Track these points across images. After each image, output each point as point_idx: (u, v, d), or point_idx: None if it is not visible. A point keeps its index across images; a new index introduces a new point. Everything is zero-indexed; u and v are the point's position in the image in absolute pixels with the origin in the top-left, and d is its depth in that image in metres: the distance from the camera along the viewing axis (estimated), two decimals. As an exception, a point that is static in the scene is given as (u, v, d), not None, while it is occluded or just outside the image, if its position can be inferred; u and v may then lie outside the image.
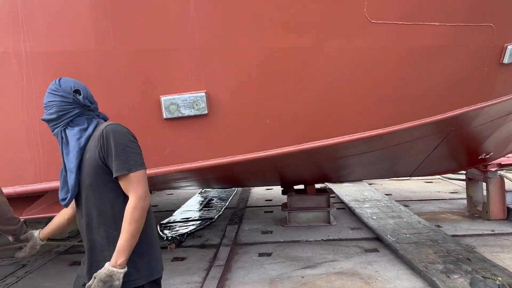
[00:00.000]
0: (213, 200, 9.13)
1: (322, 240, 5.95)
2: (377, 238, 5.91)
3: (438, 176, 10.68)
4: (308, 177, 6.60)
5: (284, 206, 6.97)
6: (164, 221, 7.08)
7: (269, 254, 5.40)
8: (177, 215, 7.60)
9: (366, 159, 5.75)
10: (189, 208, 8.19)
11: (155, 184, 4.81)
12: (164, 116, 3.40)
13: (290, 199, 6.89)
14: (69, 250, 6.00)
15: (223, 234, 6.43)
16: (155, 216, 8.40)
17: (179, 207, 8.68)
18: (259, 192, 9.92)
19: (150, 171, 3.47)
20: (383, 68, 3.83)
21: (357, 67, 3.79)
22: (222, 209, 7.93)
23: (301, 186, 7.12)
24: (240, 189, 10.21)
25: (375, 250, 5.42)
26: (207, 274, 4.78)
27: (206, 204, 8.66)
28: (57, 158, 3.67)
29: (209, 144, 3.58)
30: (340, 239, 5.96)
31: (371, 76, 3.81)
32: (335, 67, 3.76)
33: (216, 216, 7.29)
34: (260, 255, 5.40)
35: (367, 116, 3.98)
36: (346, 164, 5.99)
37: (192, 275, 4.77)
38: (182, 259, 5.38)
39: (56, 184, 3.47)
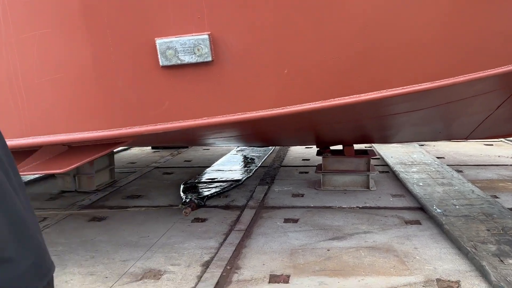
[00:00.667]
0: (247, 157, 8.73)
1: (357, 207, 5.37)
2: (421, 208, 5.24)
3: (500, 139, 9.56)
4: (345, 137, 5.94)
5: (319, 168, 6.39)
6: (189, 181, 6.72)
7: (295, 221, 4.93)
8: (207, 174, 7.26)
9: (414, 119, 4.99)
10: (220, 167, 7.79)
11: (164, 141, 4.44)
12: (161, 63, 2.89)
13: (326, 160, 6.30)
14: (93, 205, 5.87)
15: (250, 195, 6.03)
16: (188, 172, 7.85)
17: (213, 163, 8.38)
18: (297, 151, 9.37)
19: (146, 128, 3.03)
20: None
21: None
22: (253, 170, 7.43)
23: (340, 147, 6.48)
24: (277, 147, 9.72)
25: (416, 223, 4.77)
26: (224, 239, 4.41)
27: (240, 162, 8.28)
28: (48, 108, 3.38)
29: (215, 98, 3.05)
30: (378, 207, 5.35)
31: (424, 10, 3.02)
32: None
33: (244, 178, 6.81)
34: (286, 220, 4.94)
35: (415, 64, 3.23)
36: (389, 123, 5.26)
37: (209, 240, 4.42)
38: (203, 220, 5.05)
39: (49, 138, 3.13)
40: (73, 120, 3.17)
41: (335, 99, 3.18)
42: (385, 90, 3.22)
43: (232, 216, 5.16)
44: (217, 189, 6.09)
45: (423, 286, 3.36)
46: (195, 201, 5.23)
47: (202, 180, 6.82)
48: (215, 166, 7.94)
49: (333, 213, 5.17)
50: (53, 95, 3.15)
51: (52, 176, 7.01)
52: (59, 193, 6.62)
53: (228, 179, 6.70)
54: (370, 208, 5.34)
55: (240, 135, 5.36)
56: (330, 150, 6.37)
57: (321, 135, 5.76)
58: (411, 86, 3.20)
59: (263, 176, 7.15)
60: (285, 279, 3.53)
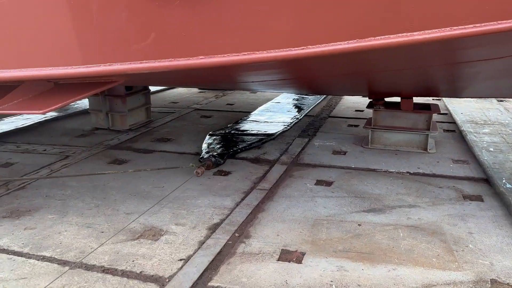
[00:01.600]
0: (293, 105, 7.98)
1: (407, 173, 4.55)
2: (487, 180, 4.31)
3: None
4: (403, 88, 4.99)
5: (368, 122, 5.54)
6: (216, 132, 6.04)
7: (329, 183, 4.25)
8: (241, 123, 6.61)
9: (490, 69, 3.94)
10: (258, 117, 7.05)
11: (169, 82, 3.79)
12: (143, -17, 2.23)
13: (377, 114, 5.42)
14: (119, 145, 5.58)
15: (286, 148, 5.39)
16: (227, 117, 6.79)
17: (256, 108, 7.76)
18: (351, 100, 8.44)
19: (127, 66, 2.44)
20: None
21: None
22: (292, 123, 6.52)
23: (397, 99, 5.53)
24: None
25: (477, 199, 3.90)
26: (242, 199, 3.88)
27: (283, 110, 7.57)
28: (36, 37, 2.87)
29: (215, 30, 2.35)
30: (433, 175, 4.49)
31: None
32: None
33: (277, 132, 5.99)
34: (318, 182, 4.28)
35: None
36: (458, 74, 4.23)
37: (225, 198, 3.92)
38: (226, 174, 4.54)
39: (35, 72, 2.66)
40: (56, 54, 2.66)
41: (378, 37, 2.35)
42: (449, 29, 2.32)
43: (258, 172, 4.58)
44: (244, 144, 5.41)
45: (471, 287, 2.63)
46: (212, 159, 4.57)
47: (232, 131, 6.11)
48: (254, 114, 7.26)
49: (376, 178, 4.41)
50: (35, 26, 2.64)
51: (87, 111, 6.80)
52: (92, 130, 6.42)
53: (260, 132, 5.95)
54: (423, 175, 4.49)
55: (273, 81, 4.63)
56: (384, 102, 5.46)
57: (372, 84, 4.86)
58: (487, 24, 2.27)
59: (306, 127, 6.43)
60: (298, 257, 2.95)
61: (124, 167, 4.78)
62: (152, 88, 9.03)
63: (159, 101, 8.57)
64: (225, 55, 2.40)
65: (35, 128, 6.59)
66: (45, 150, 5.41)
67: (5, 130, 6.28)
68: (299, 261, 2.91)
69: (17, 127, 6.47)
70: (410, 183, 4.27)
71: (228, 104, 8.35)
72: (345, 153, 5.22)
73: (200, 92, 9.57)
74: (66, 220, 3.50)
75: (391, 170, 4.62)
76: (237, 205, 3.76)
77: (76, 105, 8.05)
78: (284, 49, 2.39)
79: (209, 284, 2.67)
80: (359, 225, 3.40)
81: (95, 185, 4.25)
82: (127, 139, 5.86)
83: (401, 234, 3.25)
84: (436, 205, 3.76)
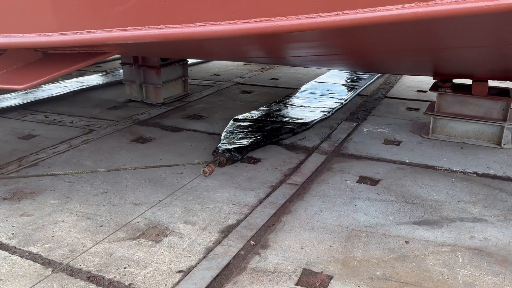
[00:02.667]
0: (344, 83, 7.16)
1: (474, 173, 3.73)
2: None
3: None
4: (476, 68, 4.07)
5: (431, 107, 4.68)
6: (240, 117, 5.11)
7: (375, 182, 3.56)
8: (276, 105, 5.88)
9: None
10: (299, 100, 6.26)
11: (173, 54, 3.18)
12: None
13: (442, 98, 4.54)
14: (148, 121, 5.17)
15: (329, 133, 4.70)
16: (268, 93, 5.99)
17: (302, 84, 7.05)
18: (413, 78, 7.44)
19: (107, 34, 1.89)
20: None
21: None
22: (335, 108, 5.54)
23: (468, 81, 4.61)
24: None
25: None
26: (267, 195, 3.31)
27: (332, 89, 6.79)
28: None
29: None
30: (508, 178, 3.63)
31: None
32: None
33: (314, 121, 4.99)
34: (361, 180, 3.59)
35: None
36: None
37: (248, 192, 3.37)
38: (255, 161, 3.97)
39: (18, 39, 2.20)
40: (43, 19, 2.17)
41: (447, 1, 1.60)
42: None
43: (292, 161, 3.97)
44: (272, 137, 4.46)
45: None
46: (227, 154, 3.74)
47: (260, 117, 5.16)
48: (293, 95, 6.51)
49: (435, 178, 3.64)
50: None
51: (121, 82, 6.47)
52: (125, 102, 6.08)
53: (292, 121, 5.00)
54: (494, 177, 3.65)
55: (313, 57, 3.91)
56: (452, 84, 4.56)
57: (438, 63, 4.00)
58: None
59: (356, 109, 5.66)
60: (323, 282, 2.35)
61: (147, 147, 4.35)
62: (195, 60, 8.58)
63: (201, 73, 8.09)
64: (231, 21, 1.78)
65: (69, 97, 6.36)
66: (71, 122, 5.13)
67: (38, 98, 6.10)
68: (323, 286, 2.32)
69: (51, 96, 6.28)
70: (477, 187, 3.47)
71: (272, 78, 7.68)
72: (399, 143, 4.44)
73: (246, 64, 8.96)
74: (67, 208, 3.13)
75: (454, 169, 3.81)
76: (259, 203, 3.20)
77: (120, 73, 7.78)
78: (319, 14, 1.72)
79: (206, 310, 2.16)
80: (406, 242, 2.72)
81: (110, 165, 3.86)
82: (157, 114, 5.45)
83: (461, 260, 2.54)
84: (509, 220, 2.97)
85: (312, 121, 5.02)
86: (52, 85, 6.95)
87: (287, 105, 5.78)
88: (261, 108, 5.62)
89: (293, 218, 2.99)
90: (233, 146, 4.00)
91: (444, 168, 3.84)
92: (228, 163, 3.70)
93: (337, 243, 2.70)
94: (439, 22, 1.80)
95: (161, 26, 1.86)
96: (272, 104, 5.87)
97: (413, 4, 1.57)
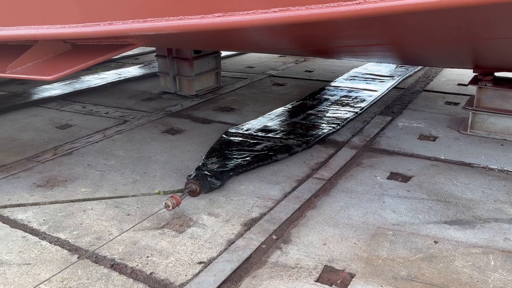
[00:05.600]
0: (380, 75, 6.94)
1: (514, 172, 3.52)
2: None
3: None
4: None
5: (470, 102, 4.45)
6: (232, 130, 4.38)
7: (406, 179, 3.43)
8: (291, 106, 5.71)
9: None
10: (333, 94, 6.14)
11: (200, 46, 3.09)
12: None
13: (482, 92, 4.31)
14: (179, 113, 5.23)
15: (361, 127, 4.57)
16: (301, 86, 5.82)
17: (336, 77, 6.90)
18: (454, 71, 7.11)
19: (128, 26, 1.91)
20: None
21: None
22: (362, 109, 5.07)
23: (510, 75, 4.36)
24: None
25: None
26: (293, 190, 3.27)
27: (364, 82, 6.59)
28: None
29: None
30: (552, 178, 3.40)
31: None
32: None
33: (321, 136, 4.23)
34: (392, 176, 3.47)
35: None
36: None
37: (274, 186, 3.33)
38: (283, 154, 3.93)
39: (51, 30, 2.27)
40: (70, 11, 2.22)
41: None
42: None
43: (321, 155, 3.89)
44: (264, 159, 3.70)
45: None
46: (202, 181, 3.07)
47: (253, 132, 4.34)
48: (336, 84, 6.37)
49: (471, 176, 3.46)
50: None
51: (156, 74, 6.57)
52: (160, 94, 6.18)
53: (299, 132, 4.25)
54: (537, 177, 3.43)
55: (349, 47, 3.80)
56: (493, 77, 4.31)
57: (478, 55, 3.78)
58: None
59: (391, 102, 5.48)
60: (345, 280, 2.29)
61: (177, 138, 4.41)
62: (229, 52, 8.59)
63: (234, 65, 8.09)
64: (252, 12, 1.74)
65: (106, 88, 6.54)
66: (107, 113, 5.28)
67: (77, 89, 6.32)
68: (344, 285, 2.26)
69: (89, 87, 6.48)
70: (517, 187, 3.27)
71: (306, 71, 7.57)
72: (435, 138, 4.26)
73: (280, 56, 8.88)
74: (97, 196, 3.22)
75: (492, 167, 3.61)
76: (284, 197, 3.16)
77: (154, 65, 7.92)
78: (339, 4, 1.65)
79: (223, 303, 2.16)
80: (435, 242, 2.60)
81: (140, 156, 3.94)
82: (189, 106, 5.50)
83: (492, 263, 2.40)
84: (551, 224, 2.78)
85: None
86: (91, 76, 7.17)
87: (311, 108, 5.18)
88: (267, 115, 4.95)
89: (318, 214, 2.94)
90: (213, 168, 3.40)
91: (482, 165, 3.64)
92: (203, 191, 3.09)
93: (361, 240, 2.63)
94: (472, 11, 1.69)
95: (180, 17, 1.85)
96: (295, 102, 5.48)
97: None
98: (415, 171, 3.56)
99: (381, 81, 6.44)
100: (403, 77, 6.66)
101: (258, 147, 3.97)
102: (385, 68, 7.28)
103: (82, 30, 2.03)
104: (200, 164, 3.57)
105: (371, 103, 5.35)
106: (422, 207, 3.00)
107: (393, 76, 6.71)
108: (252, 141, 4.12)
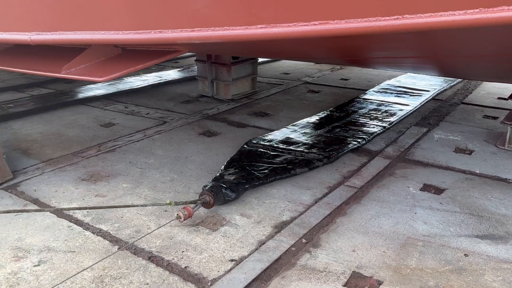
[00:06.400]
0: (416, 87, 6.86)
1: (554, 190, 3.44)
2: None
3: None
4: None
5: (509, 117, 4.36)
6: (253, 141, 4.30)
7: (439, 191, 3.42)
8: (321, 115, 5.72)
9: None
10: (361, 107, 6.10)
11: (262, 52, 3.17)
12: None
13: (523, 107, 4.22)
14: (215, 116, 5.39)
15: (395, 137, 4.57)
16: (336, 94, 5.91)
17: (373, 85, 6.89)
18: (495, 85, 6.94)
19: (177, 34, 2.05)
20: None
21: None
22: (394, 121, 4.97)
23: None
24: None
25: None
26: (323, 196, 3.33)
27: (400, 94, 6.55)
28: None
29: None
30: None
31: None
32: None
33: (363, 143, 4.32)
34: (425, 188, 3.47)
35: None
36: None
37: (305, 191, 3.41)
38: (316, 161, 3.99)
39: (106, 36, 2.46)
40: (122, 18, 2.40)
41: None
42: None
43: (353, 164, 3.93)
44: (282, 173, 3.62)
45: None
46: (215, 190, 3.06)
47: (274, 144, 4.24)
48: (371, 93, 6.35)
49: (506, 191, 3.41)
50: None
51: (195, 78, 6.78)
52: (197, 97, 6.38)
53: (319, 146, 4.14)
54: None
55: (391, 58, 3.83)
56: (536, 93, 4.22)
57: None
58: None
59: (428, 114, 5.43)
60: (372, 286, 2.34)
61: (213, 140, 4.56)
62: (265, 58, 8.72)
63: (270, 71, 8.21)
64: (294, 24, 1.84)
65: (147, 90, 6.81)
66: (147, 114, 5.51)
67: (120, 90, 6.62)
68: (371, 291, 2.31)
69: (131, 88, 6.77)
70: (556, 205, 3.20)
71: (342, 79, 7.59)
72: (471, 152, 4.21)
73: (316, 64, 8.93)
74: (137, 192, 3.40)
75: (530, 184, 3.54)
76: (315, 202, 3.23)
77: (194, 69, 8.16)
78: (378, 18, 1.73)
79: (253, 299, 2.26)
80: (465, 255, 2.60)
81: (178, 156, 4.11)
82: (225, 110, 5.66)
83: (526, 281, 2.38)
84: None
85: (343, 149, 4.14)
86: (133, 78, 7.48)
87: (339, 118, 5.12)
88: (293, 124, 4.91)
89: (348, 221, 2.99)
90: (230, 180, 3.34)
91: (519, 182, 3.58)
92: (217, 203, 3.06)
93: (391, 249, 2.66)
94: (508, 28, 1.72)
95: (224, 27, 1.97)
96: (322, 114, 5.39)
97: (477, 10, 1.52)
98: (449, 183, 3.54)
99: (413, 95, 6.32)
100: (438, 91, 6.54)
101: (278, 159, 3.87)
102: (420, 81, 7.17)
103: (134, 37, 2.19)
104: (217, 174, 3.52)
105: (401, 118, 5.20)
106: (454, 220, 2.99)
107: (428, 90, 6.59)
108: (272, 153, 4.02)
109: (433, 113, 5.48)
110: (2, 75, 7.89)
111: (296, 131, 4.69)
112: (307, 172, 3.71)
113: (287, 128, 4.81)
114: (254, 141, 4.32)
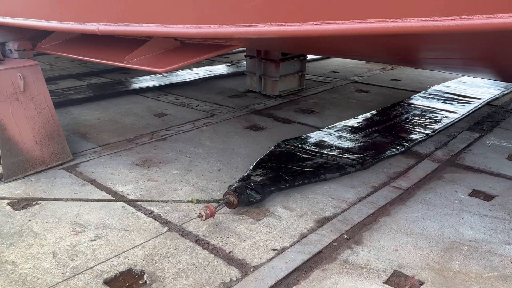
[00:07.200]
0: (467, 94, 6.61)
1: None
2: None
3: None
4: None
5: None
6: (285, 143, 4.16)
7: (489, 197, 3.32)
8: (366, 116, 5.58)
9: None
10: (404, 111, 5.93)
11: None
12: None
13: None
14: (262, 111, 5.48)
15: (446, 141, 4.47)
16: (386, 94, 5.94)
17: (423, 88, 6.72)
18: (558, 92, 6.57)
19: (235, 29, 2.15)
20: None
21: None
22: (438, 128, 4.71)
23: None
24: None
25: None
26: (368, 195, 3.33)
27: (448, 100, 6.33)
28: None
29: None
30: None
31: None
32: None
33: (402, 150, 4.12)
34: (474, 193, 3.39)
35: None
36: None
37: (349, 189, 3.42)
38: (361, 160, 3.99)
39: (168, 29, 2.61)
40: (182, 12, 2.54)
41: None
42: None
43: (400, 165, 3.89)
44: (311, 177, 3.50)
45: None
46: (240, 191, 3.00)
47: (304, 146, 4.13)
48: (397, 108, 6.06)
49: None
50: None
51: (243, 73, 6.91)
52: (245, 92, 6.51)
53: (343, 155, 3.92)
54: None
55: (449, 60, 3.75)
56: None
57: None
58: None
59: (482, 119, 5.25)
60: (413, 286, 2.34)
61: (258, 134, 4.66)
62: (315, 55, 8.72)
63: (319, 69, 8.20)
64: (349, 21, 1.88)
65: (198, 83, 7.02)
66: (197, 106, 5.70)
67: (172, 82, 6.87)
68: (412, 291, 2.31)
69: (183, 81, 7.00)
70: None
71: (392, 79, 7.45)
72: (525, 160, 4.05)
73: (366, 63, 8.82)
74: (186, 179, 3.56)
75: None
76: (359, 201, 3.24)
77: (243, 65, 8.31)
78: (435, 18, 1.74)
79: (293, 288, 2.33)
80: (511, 262, 2.54)
81: (225, 148, 4.24)
82: (272, 106, 5.74)
83: None
84: None
85: (378, 156, 3.96)
86: (184, 71, 7.73)
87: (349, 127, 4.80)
88: (329, 127, 4.78)
89: (392, 221, 2.98)
90: (257, 181, 3.25)
91: None
92: (241, 204, 2.99)
93: (434, 251, 2.64)
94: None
95: (281, 23, 2.04)
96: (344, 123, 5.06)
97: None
98: (499, 190, 3.43)
99: (462, 102, 5.94)
100: (490, 99, 6.19)
101: (308, 163, 3.73)
102: (471, 87, 6.82)
103: (195, 31, 2.31)
104: (245, 174, 3.46)
105: (445, 126, 4.92)
106: (503, 227, 2.91)
107: (479, 98, 6.22)
108: (303, 155, 3.89)
109: (486, 119, 5.28)
110: (63, 64, 8.40)
111: (332, 134, 4.55)
112: (338, 177, 3.58)
113: (322, 130, 4.67)
114: (285, 143, 4.20)
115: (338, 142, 4.31)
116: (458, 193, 3.40)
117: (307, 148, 4.10)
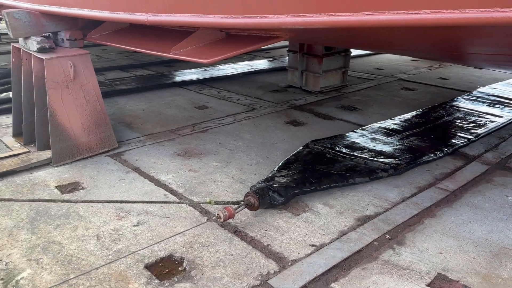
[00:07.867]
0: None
1: None
2: None
3: None
4: None
5: None
6: (314, 144, 3.94)
7: (543, 204, 3.13)
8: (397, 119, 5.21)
9: None
10: (446, 114, 5.63)
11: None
12: None
13: None
14: (303, 107, 5.43)
15: (496, 144, 4.25)
16: (433, 93, 5.85)
17: (473, 87, 6.43)
18: None
19: (282, 20, 2.13)
20: None
21: None
22: (481, 133, 4.42)
23: None
24: None
25: None
26: (412, 196, 3.22)
27: (495, 103, 5.99)
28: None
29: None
30: None
31: None
32: None
33: (441, 155, 3.86)
34: (526, 198, 3.20)
35: None
36: None
37: (392, 189, 3.32)
38: (405, 159, 3.86)
39: (215, 19, 2.63)
40: (228, 3, 2.54)
41: None
42: None
43: (447, 166, 3.74)
44: (339, 180, 3.31)
45: None
46: (261, 192, 2.87)
47: (334, 147, 3.92)
48: (438, 109, 5.72)
49: None
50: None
51: (285, 68, 6.87)
52: (286, 87, 6.47)
53: (378, 158, 3.69)
54: None
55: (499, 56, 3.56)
56: None
57: None
58: None
59: (536, 122, 4.95)
60: (458, 291, 2.25)
61: (298, 130, 4.61)
62: (358, 52, 8.54)
63: (362, 66, 8.02)
64: (403, 12, 1.81)
65: (239, 78, 7.05)
66: (238, 100, 5.72)
67: (214, 76, 6.93)
68: (457, 296, 2.21)
69: (224, 75, 7.05)
70: None
71: (440, 78, 7.17)
72: None
73: (413, 60, 8.54)
74: (225, 171, 3.58)
75: None
76: (402, 201, 3.14)
77: (284, 59, 8.27)
78: (496, 9, 1.64)
79: (332, 285, 2.28)
80: None
81: (265, 142, 4.23)
82: (313, 101, 5.67)
83: None
84: None
85: (414, 161, 3.71)
86: (226, 65, 7.78)
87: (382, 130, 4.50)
88: (364, 128, 4.54)
89: (437, 223, 2.87)
90: (281, 182, 3.09)
91: None
92: (262, 206, 2.87)
93: (481, 256, 2.52)
94: None
95: (330, 13, 2.00)
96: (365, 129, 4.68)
97: None
98: (555, 197, 3.23)
99: (510, 106, 5.51)
100: None
101: (337, 165, 3.54)
102: None
103: (242, 21, 2.30)
104: (269, 175, 3.31)
105: (490, 131, 4.58)
106: (559, 236, 2.73)
107: None
108: (333, 157, 3.70)
109: (542, 121, 4.98)
110: (110, 55, 8.67)
111: (365, 136, 4.30)
112: (368, 182, 3.37)
113: (355, 132, 4.41)
114: (314, 143, 3.99)
115: (371, 145, 4.07)
116: (509, 197, 3.22)
117: (337, 149, 3.88)
